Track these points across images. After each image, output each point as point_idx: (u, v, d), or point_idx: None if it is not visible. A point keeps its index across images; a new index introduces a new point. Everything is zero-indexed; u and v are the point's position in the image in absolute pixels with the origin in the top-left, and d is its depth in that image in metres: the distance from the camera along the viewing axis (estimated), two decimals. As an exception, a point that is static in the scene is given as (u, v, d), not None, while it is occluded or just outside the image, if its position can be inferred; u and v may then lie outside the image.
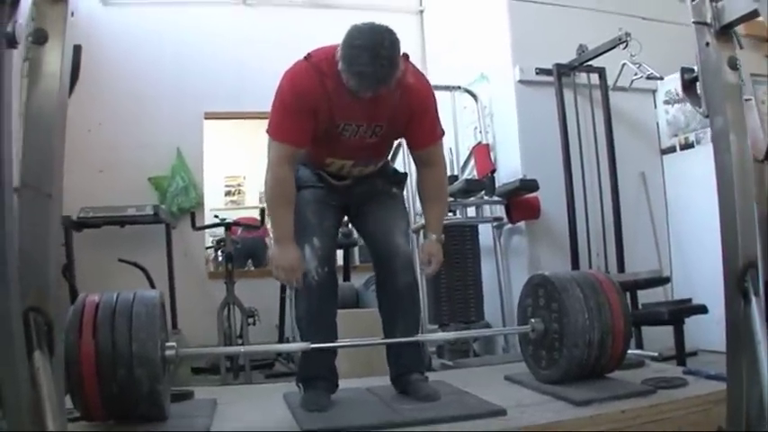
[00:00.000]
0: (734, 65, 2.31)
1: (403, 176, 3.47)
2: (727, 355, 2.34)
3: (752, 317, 2.17)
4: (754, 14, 2.18)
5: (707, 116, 2.39)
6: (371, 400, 3.18)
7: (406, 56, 2.93)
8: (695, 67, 2.43)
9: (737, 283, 2.24)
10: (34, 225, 1.85)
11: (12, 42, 1.70)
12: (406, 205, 3.61)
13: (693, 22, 2.36)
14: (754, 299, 2.19)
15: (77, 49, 2.08)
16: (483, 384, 3.43)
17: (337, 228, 3.40)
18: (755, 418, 2.11)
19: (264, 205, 6.02)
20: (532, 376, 3.46)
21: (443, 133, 3.26)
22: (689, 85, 2.49)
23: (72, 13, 1.98)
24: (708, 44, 2.36)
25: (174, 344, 2.89)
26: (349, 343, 3.36)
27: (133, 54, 6.92)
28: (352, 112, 2.95)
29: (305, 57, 2.95)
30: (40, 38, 1.87)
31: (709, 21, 2.33)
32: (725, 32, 2.32)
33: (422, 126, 3.12)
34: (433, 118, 3.17)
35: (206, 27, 7.22)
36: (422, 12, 7.92)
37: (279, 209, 3.02)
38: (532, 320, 3.40)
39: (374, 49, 2.70)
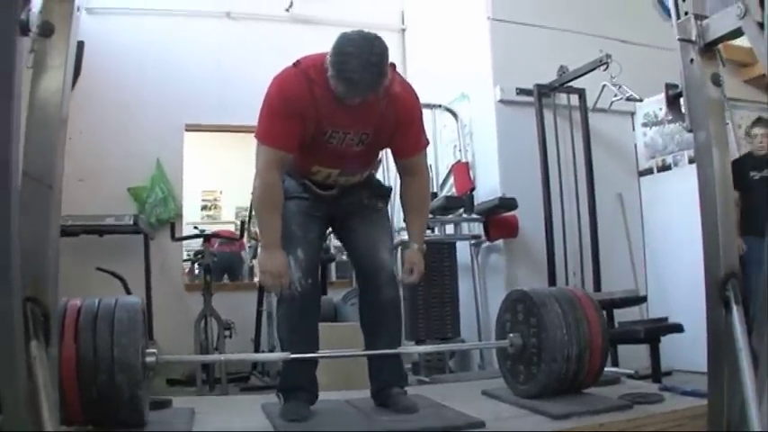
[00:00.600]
0: (717, 81, 2.36)
1: (388, 190, 3.47)
2: (708, 364, 2.37)
3: (733, 325, 2.20)
4: (737, 33, 2.23)
5: (690, 131, 2.44)
6: (351, 411, 3.18)
7: (393, 65, 2.93)
8: (679, 83, 2.48)
9: (719, 292, 2.28)
10: (35, 216, 1.86)
11: (25, 30, 1.72)
12: (390, 220, 3.61)
13: (678, 39, 2.41)
14: (735, 308, 2.23)
15: (81, 45, 2.09)
16: (460, 399, 3.42)
17: (322, 239, 3.42)
18: (737, 423, 2.14)
19: (243, 219, 6.08)
20: (510, 391, 3.47)
21: (428, 143, 3.29)
22: (673, 100, 2.54)
23: (78, 8, 1.99)
24: (692, 61, 2.41)
25: (154, 350, 2.89)
26: (329, 354, 3.36)
27: (116, 64, 6.89)
28: (340, 119, 2.95)
29: (294, 63, 2.96)
30: (46, 30, 1.88)
31: (693, 38, 2.38)
32: (709, 50, 2.38)
33: (407, 135, 3.13)
34: (418, 128, 3.19)
35: (190, 39, 7.23)
36: (404, 30, 7.98)
37: (267, 215, 3.02)
38: (511, 335, 3.42)
39: (363, 57, 2.71)
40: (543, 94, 5.77)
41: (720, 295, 2.27)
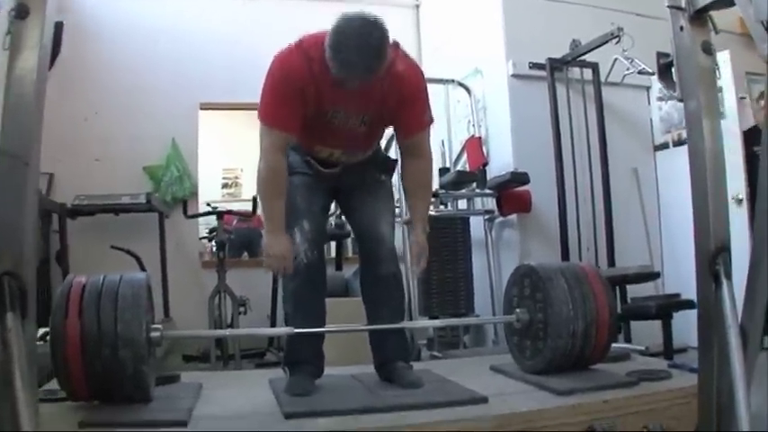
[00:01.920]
0: (708, 49, 2.32)
1: (393, 163, 3.43)
2: (699, 339, 2.36)
3: (723, 301, 2.17)
4: (727, -1, 2.19)
5: (681, 100, 2.41)
6: (355, 386, 3.20)
7: (396, 44, 2.93)
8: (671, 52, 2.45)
9: (709, 266, 2.26)
10: (11, 192, 1.90)
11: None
12: (394, 194, 3.59)
13: (668, 6, 2.38)
14: (725, 282, 2.20)
15: (59, 26, 2.12)
16: (468, 374, 3.44)
17: (326, 211, 3.43)
18: (726, 404, 2.13)
19: (255, 195, 6.08)
20: (517, 366, 3.47)
21: (432, 121, 3.23)
22: (664, 69, 2.51)
23: None
24: (682, 28, 2.37)
25: (159, 326, 2.92)
26: (335, 329, 3.37)
27: (129, 44, 6.92)
28: (340, 98, 2.95)
29: (296, 43, 2.96)
30: (21, 12, 1.92)
31: (683, 5, 2.35)
32: (699, 17, 2.33)
33: (410, 113, 3.10)
34: (422, 105, 3.15)
35: (202, 18, 7.21)
36: (418, 6, 7.92)
37: (271, 199, 3.02)
38: (517, 310, 3.41)
39: (362, 38, 2.70)
40: (556, 68, 5.73)
41: (710, 270, 2.24)
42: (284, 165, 3.02)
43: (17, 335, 1.83)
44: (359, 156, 3.25)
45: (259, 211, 6.23)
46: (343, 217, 4.70)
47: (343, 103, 2.99)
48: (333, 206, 3.97)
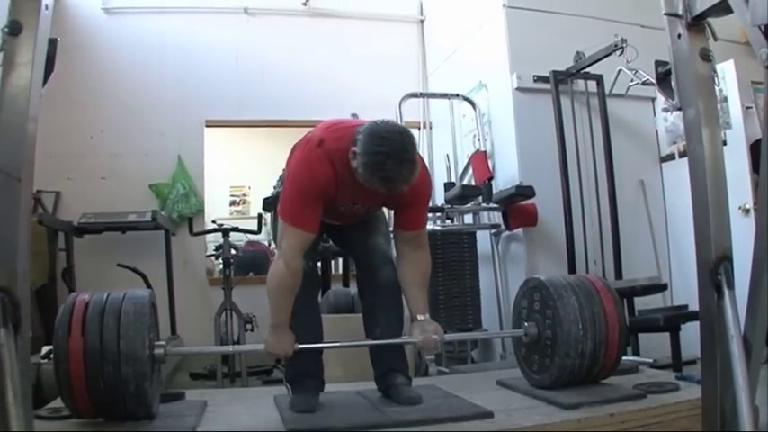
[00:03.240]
0: (706, 56, 2.31)
1: None
2: (702, 350, 2.34)
3: (725, 311, 2.15)
4: (724, 5, 2.18)
5: (679, 108, 2.40)
6: (360, 402, 3.19)
7: None
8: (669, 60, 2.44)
9: (710, 276, 2.23)
10: (5, 209, 1.92)
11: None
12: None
13: (665, 14, 2.37)
14: (727, 292, 2.17)
15: (53, 42, 2.14)
16: (474, 389, 3.44)
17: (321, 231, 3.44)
18: (730, 413, 2.10)
19: (259, 212, 6.08)
20: (524, 381, 3.46)
21: (426, 222, 3.34)
22: (663, 78, 2.50)
23: (47, 7, 2.02)
24: (680, 36, 2.37)
25: (163, 342, 2.92)
26: (336, 344, 3.36)
27: (135, 62, 6.97)
28: (353, 196, 3.06)
29: (317, 143, 2.99)
30: (14, 29, 1.94)
31: (680, 12, 2.34)
32: (697, 24, 2.33)
33: (412, 214, 3.19)
34: (422, 208, 3.25)
35: (208, 35, 7.25)
36: (422, 21, 7.93)
37: (282, 298, 2.99)
38: (526, 324, 3.40)
39: (399, 155, 2.75)
40: (560, 80, 5.72)
41: (712, 279, 2.22)
42: (301, 269, 3.01)
43: (10, 350, 1.83)
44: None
45: (264, 230, 6.26)
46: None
47: (353, 200, 3.09)
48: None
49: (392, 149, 2.74)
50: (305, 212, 2.97)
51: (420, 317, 3.12)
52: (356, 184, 2.91)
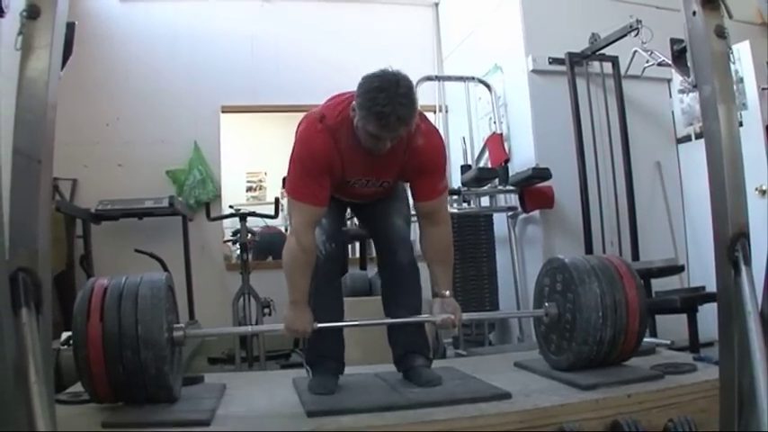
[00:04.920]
0: (721, 33, 2.29)
1: None
2: (719, 328, 2.33)
3: (742, 287, 2.14)
4: (740, -19, 2.17)
5: (695, 86, 2.39)
6: (378, 384, 3.20)
7: (421, 115, 2.99)
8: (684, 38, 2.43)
9: (727, 252, 2.22)
10: (25, 190, 1.94)
11: (-1, 11, 1.78)
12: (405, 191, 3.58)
13: (679, -9, 2.36)
14: (744, 269, 2.16)
15: (71, 26, 2.16)
16: (492, 370, 3.44)
17: (341, 213, 3.44)
18: (747, 389, 2.10)
19: (276, 196, 6.10)
20: (541, 362, 3.47)
21: (447, 188, 3.27)
22: (678, 55, 2.49)
23: None
24: (695, 13, 2.35)
25: (182, 325, 2.94)
26: (355, 323, 3.38)
27: (150, 49, 6.99)
28: (363, 169, 3.05)
29: (319, 118, 3.00)
30: (32, 13, 1.96)
31: (695, -11, 2.33)
32: (711, 1, 2.31)
33: (427, 182, 3.14)
34: (439, 175, 3.19)
35: (222, 21, 7.26)
36: (437, 4, 7.91)
37: (297, 276, 3.01)
38: (546, 304, 3.39)
39: (392, 90, 2.74)
40: (575, 62, 5.70)
41: (729, 256, 2.21)
42: (314, 244, 3.04)
43: (32, 329, 1.86)
44: (375, 200, 3.34)
45: (281, 215, 6.28)
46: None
47: (364, 173, 3.08)
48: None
49: (384, 84, 2.75)
50: (310, 187, 2.97)
51: (441, 293, 3.13)
52: (364, 154, 2.94)
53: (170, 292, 2.96)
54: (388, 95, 2.72)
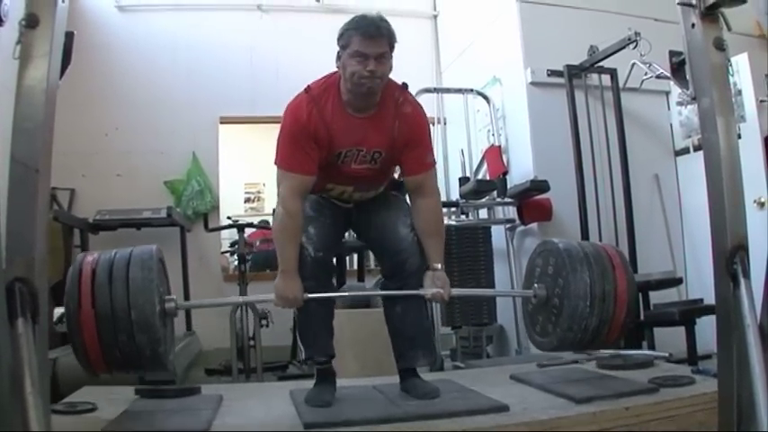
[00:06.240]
0: (720, 45, 2.30)
1: (400, 183, 3.47)
2: (718, 340, 2.33)
3: (741, 300, 2.14)
4: (738, -7, 2.17)
5: (694, 98, 2.39)
6: (376, 396, 3.18)
7: (405, 84, 3.13)
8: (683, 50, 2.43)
9: (726, 265, 2.22)
10: (23, 199, 1.94)
11: (-3, 21, 1.78)
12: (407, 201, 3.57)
13: (678, 3, 2.37)
14: (743, 282, 2.16)
15: (70, 35, 2.16)
16: (489, 383, 3.42)
17: (337, 225, 3.39)
18: (746, 402, 2.10)
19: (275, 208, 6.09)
20: (538, 375, 3.47)
21: (434, 163, 3.30)
22: (677, 68, 2.49)
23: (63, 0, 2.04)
24: (693, 25, 2.36)
25: (174, 297, 2.96)
26: (345, 294, 3.39)
27: (149, 59, 7.01)
28: (351, 136, 3.05)
29: (305, 89, 3.07)
30: (31, 22, 1.97)
31: (694, 2, 2.33)
32: (710, 13, 2.31)
33: (416, 154, 3.17)
34: (426, 146, 3.23)
35: (221, 32, 7.30)
36: (436, 16, 7.95)
37: (286, 242, 3.03)
38: (536, 285, 3.38)
39: (370, 16, 2.94)
40: (574, 74, 5.72)
41: (728, 269, 2.20)
42: (301, 209, 3.06)
43: (28, 340, 1.85)
44: (371, 193, 3.31)
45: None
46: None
47: (353, 141, 3.07)
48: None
49: (361, 15, 2.96)
50: (296, 156, 3.01)
51: (433, 266, 3.14)
52: (351, 117, 3.02)
53: (160, 265, 2.95)
54: (369, 18, 2.93)
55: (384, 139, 3.09)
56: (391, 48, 2.98)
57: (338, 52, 2.98)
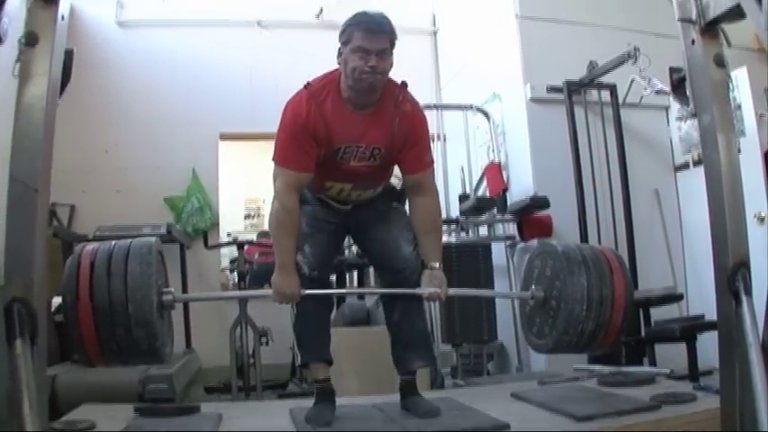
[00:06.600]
0: (720, 62, 2.31)
1: (401, 192, 3.46)
2: (720, 358, 2.32)
3: (743, 318, 2.14)
4: (738, 10, 2.16)
5: (695, 115, 2.39)
6: (376, 415, 3.17)
7: (404, 84, 3.13)
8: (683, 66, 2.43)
9: (728, 283, 2.22)
10: (21, 218, 1.93)
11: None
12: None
13: (679, 20, 2.37)
14: (745, 299, 2.16)
15: (69, 53, 2.16)
16: (489, 401, 3.41)
17: (334, 241, 3.40)
18: (749, 421, 2.08)
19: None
20: (538, 393, 3.45)
21: (432, 162, 3.31)
22: (677, 84, 2.49)
23: (63, 17, 2.04)
24: (693, 42, 2.36)
25: (171, 289, 2.98)
26: (344, 291, 3.38)
27: (149, 75, 7.03)
28: (351, 131, 3.05)
29: (304, 86, 3.09)
30: (30, 40, 1.97)
31: (694, 18, 2.33)
32: (710, 29, 2.32)
33: (414, 152, 3.18)
34: (425, 145, 3.26)
35: (221, 48, 7.33)
36: (435, 33, 7.97)
37: (282, 237, 3.05)
38: (534, 287, 3.38)
39: (372, 13, 3.00)
40: (573, 90, 5.72)
41: (729, 287, 2.20)
42: (297, 204, 3.08)
43: (26, 361, 1.84)
44: (369, 192, 3.29)
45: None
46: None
47: (353, 137, 3.07)
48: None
49: (363, 12, 3.00)
50: (294, 153, 3.02)
51: (431, 265, 3.14)
52: (350, 113, 3.03)
53: (159, 257, 2.97)
54: (370, 15, 2.98)
55: (384, 136, 3.10)
56: (392, 44, 3.01)
57: (339, 48, 3.01)
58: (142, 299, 2.68)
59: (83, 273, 2.69)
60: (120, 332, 2.64)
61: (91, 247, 2.81)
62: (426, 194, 3.22)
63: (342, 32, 2.99)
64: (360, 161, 3.11)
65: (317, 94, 3.03)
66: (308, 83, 3.08)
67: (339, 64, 3.01)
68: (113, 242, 2.84)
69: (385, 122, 3.07)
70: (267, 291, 3.10)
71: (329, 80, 3.06)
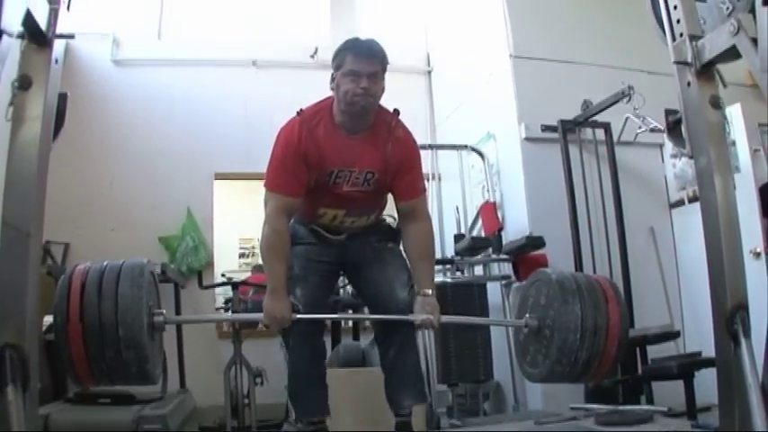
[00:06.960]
0: (716, 103, 2.32)
1: (397, 231, 3.47)
2: (719, 400, 2.31)
3: (742, 360, 2.13)
4: (733, 51, 2.18)
5: (691, 157, 2.40)
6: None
7: (396, 111, 3.21)
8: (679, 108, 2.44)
9: (726, 325, 2.21)
10: (13, 263, 1.91)
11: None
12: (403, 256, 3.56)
13: (674, 63, 2.38)
14: (743, 341, 2.15)
15: (63, 97, 2.16)
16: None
17: (326, 282, 3.39)
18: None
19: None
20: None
21: (425, 189, 3.38)
22: (673, 126, 2.50)
23: (57, 61, 2.04)
24: (689, 84, 2.37)
25: (162, 311, 2.94)
26: (335, 316, 3.38)
27: (144, 114, 7.05)
28: (344, 155, 3.10)
29: (297, 113, 3.16)
30: (24, 83, 1.96)
31: (689, 60, 2.35)
32: (706, 71, 2.34)
33: (408, 178, 3.24)
34: (418, 172, 3.31)
35: (217, 88, 7.35)
36: (430, 72, 8.02)
37: (274, 261, 3.07)
38: (528, 316, 3.35)
39: (363, 39, 3.15)
40: (568, 129, 5.74)
41: (728, 329, 2.20)
42: (287, 229, 3.12)
43: (17, 408, 1.82)
44: (363, 218, 3.31)
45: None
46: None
47: (346, 161, 3.12)
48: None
49: (355, 38, 3.17)
50: (283, 177, 3.08)
51: (424, 292, 3.15)
52: (343, 137, 3.10)
53: (151, 278, 2.94)
54: (362, 40, 3.14)
55: (376, 160, 3.14)
56: (384, 69, 3.08)
57: (332, 74, 3.08)
58: (132, 321, 2.66)
59: (73, 293, 2.67)
60: (110, 354, 2.63)
61: (82, 266, 2.80)
62: (420, 220, 3.26)
63: (334, 57, 3.07)
64: (353, 186, 3.15)
65: (309, 119, 3.09)
66: (301, 110, 3.15)
67: (332, 89, 3.08)
68: (105, 262, 2.82)
69: (378, 147, 3.12)
70: (259, 315, 3.08)
71: (322, 106, 3.13)
